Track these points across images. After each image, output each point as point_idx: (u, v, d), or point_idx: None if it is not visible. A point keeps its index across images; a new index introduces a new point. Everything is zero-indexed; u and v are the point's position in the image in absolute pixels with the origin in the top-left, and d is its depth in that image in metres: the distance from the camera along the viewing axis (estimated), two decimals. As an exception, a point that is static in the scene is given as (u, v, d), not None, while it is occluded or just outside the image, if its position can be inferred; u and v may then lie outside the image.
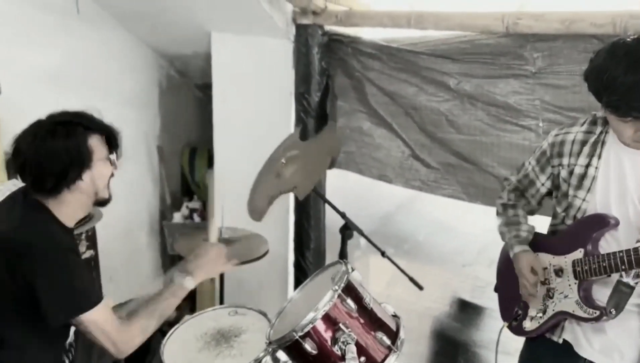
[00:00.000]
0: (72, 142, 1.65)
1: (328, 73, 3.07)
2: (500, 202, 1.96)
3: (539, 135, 2.35)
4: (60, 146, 1.63)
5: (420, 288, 2.21)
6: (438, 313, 2.88)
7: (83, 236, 2.76)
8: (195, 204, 4.21)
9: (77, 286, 1.62)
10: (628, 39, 1.47)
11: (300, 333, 1.62)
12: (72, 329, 1.78)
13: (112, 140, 1.77)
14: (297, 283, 3.14)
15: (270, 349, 1.66)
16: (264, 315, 2.29)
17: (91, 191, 1.72)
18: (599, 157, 1.66)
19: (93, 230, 2.88)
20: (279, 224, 3.28)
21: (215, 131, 3.50)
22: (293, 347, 1.64)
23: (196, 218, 4.11)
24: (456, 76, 2.57)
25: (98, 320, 1.63)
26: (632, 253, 1.53)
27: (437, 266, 2.85)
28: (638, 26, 1.62)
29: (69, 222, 1.73)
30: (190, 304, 3.28)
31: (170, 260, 4.08)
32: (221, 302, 2.54)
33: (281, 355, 1.67)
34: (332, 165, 2.97)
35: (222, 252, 1.96)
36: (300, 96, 3.08)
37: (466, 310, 2.77)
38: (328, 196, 2.58)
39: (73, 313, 1.61)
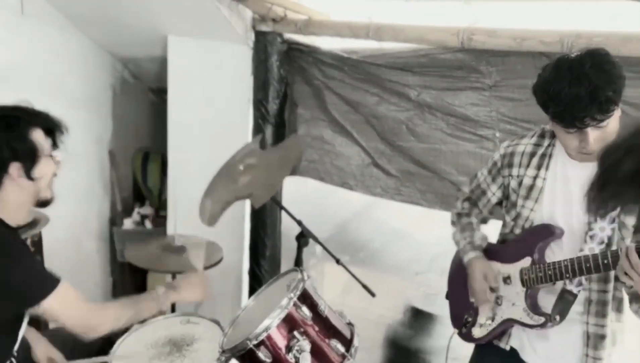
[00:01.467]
0: (13, 135, 1.58)
1: (287, 81, 3.07)
2: (455, 211, 2.01)
3: (496, 144, 2.44)
4: (0, 139, 1.56)
5: (373, 295, 2.23)
6: (391, 320, 2.91)
7: (28, 241, 2.65)
8: (146, 210, 4.12)
9: (40, 269, 1.58)
10: (572, 55, 1.55)
11: (255, 342, 1.61)
12: (20, 335, 1.70)
13: (55, 136, 1.70)
14: (252, 291, 3.11)
15: (223, 358, 1.64)
16: (217, 323, 2.26)
17: (32, 190, 1.66)
18: (547, 168, 1.73)
19: (39, 235, 2.77)
20: (234, 232, 3.24)
21: (170, 136, 3.44)
22: (247, 356, 1.63)
23: (147, 225, 4.02)
24: (416, 88, 2.64)
25: (67, 297, 1.58)
26: (575, 262, 1.59)
27: (391, 274, 2.88)
28: (583, 45, 1.72)
29: (11, 222, 1.65)
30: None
31: (120, 268, 3.97)
32: (173, 311, 2.48)
33: (235, 364, 1.64)
34: (292, 172, 2.97)
35: (204, 281, 2.02)
36: (259, 103, 3.07)
37: (418, 318, 2.81)
38: (285, 203, 2.58)
39: (44, 293, 1.56)
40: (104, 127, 3.91)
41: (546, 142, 1.76)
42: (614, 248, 1.58)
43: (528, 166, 1.76)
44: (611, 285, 1.65)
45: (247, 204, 3.20)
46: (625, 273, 1.42)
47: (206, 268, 2.47)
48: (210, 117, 3.27)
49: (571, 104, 1.49)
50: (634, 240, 1.58)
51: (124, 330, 2.18)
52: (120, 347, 2.08)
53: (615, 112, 1.52)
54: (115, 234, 3.94)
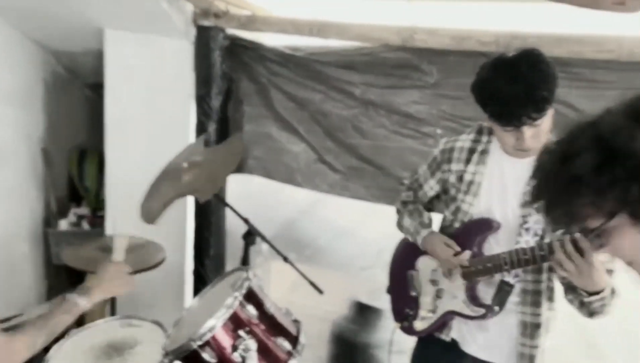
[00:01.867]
0: None
1: (231, 77, 3.03)
2: (400, 200, 2.04)
3: (437, 141, 2.50)
4: None
5: (321, 292, 2.23)
6: (337, 316, 2.93)
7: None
8: (83, 210, 3.95)
9: None
10: (509, 55, 1.61)
11: (199, 342, 1.58)
12: None
13: None
14: (196, 292, 3.05)
15: (166, 360, 1.60)
16: (160, 325, 2.19)
17: None
18: (484, 164, 1.79)
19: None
20: (177, 232, 3.17)
21: (107, 133, 3.31)
22: (191, 357, 1.59)
23: (84, 225, 3.86)
24: (360, 86, 2.67)
25: None
26: (514, 254, 1.65)
27: (337, 270, 2.90)
28: (519, 45, 1.79)
29: None
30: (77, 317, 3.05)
31: (55, 271, 3.79)
32: (113, 314, 2.39)
33: (179, 366, 1.60)
34: (238, 170, 2.93)
35: (122, 271, 1.86)
36: (201, 100, 3.01)
37: (364, 313, 2.84)
38: (230, 201, 2.54)
39: None
40: (36, 123, 3.72)
41: (484, 138, 1.81)
42: (547, 240, 1.65)
43: (466, 161, 1.82)
44: (544, 276, 1.73)
45: (190, 204, 3.13)
46: (561, 265, 1.49)
47: (147, 269, 2.40)
48: (150, 114, 3.18)
49: (509, 104, 1.54)
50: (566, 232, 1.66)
51: (60, 336, 2.08)
52: (57, 353, 1.99)
53: (549, 111, 1.58)
54: (50, 235, 3.75)
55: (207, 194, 2.14)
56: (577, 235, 1.48)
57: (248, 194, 2.98)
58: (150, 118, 3.18)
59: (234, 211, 2.21)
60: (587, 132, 0.90)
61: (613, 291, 1.57)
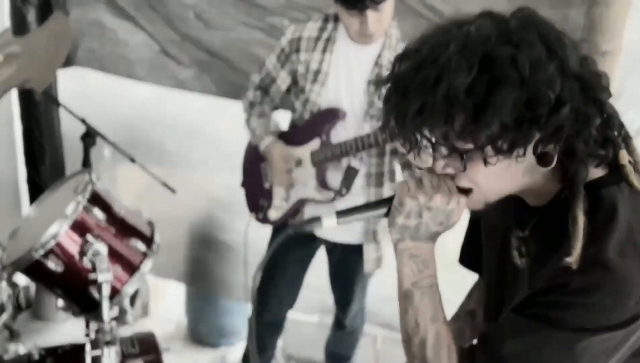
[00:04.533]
0: None
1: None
2: (248, 100, 2.02)
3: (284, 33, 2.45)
4: None
5: (173, 191, 2.19)
6: (194, 218, 2.91)
7: None
8: None
9: None
10: None
11: (42, 252, 1.50)
12: None
13: None
14: (33, 201, 2.81)
15: (5, 274, 1.49)
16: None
17: None
18: (331, 53, 1.82)
19: None
20: (2, 139, 2.83)
21: None
22: (34, 268, 1.51)
23: None
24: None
25: None
26: (359, 139, 1.75)
27: (189, 170, 2.83)
28: None
29: None
30: None
31: None
32: None
33: (20, 279, 1.51)
34: (67, 63, 2.62)
35: None
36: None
37: (221, 210, 2.85)
38: (63, 100, 2.29)
39: None
40: None
41: (330, 26, 1.83)
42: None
43: (314, 50, 1.83)
44: (387, 159, 1.87)
45: (14, 107, 2.77)
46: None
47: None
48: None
49: None
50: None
51: None
52: None
53: None
54: None
55: (43, 81, 1.92)
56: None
57: (82, 92, 2.70)
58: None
59: (68, 110, 2.03)
60: (454, 45, 0.76)
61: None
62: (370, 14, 1.62)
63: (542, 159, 0.80)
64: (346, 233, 1.93)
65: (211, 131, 2.83)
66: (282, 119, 2.06)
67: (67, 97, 2.51)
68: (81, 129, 2.06)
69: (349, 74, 1.80)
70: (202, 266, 2.85)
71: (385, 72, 1.71)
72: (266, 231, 2.07)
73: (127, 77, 2.70)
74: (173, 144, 2.84)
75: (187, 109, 2.80)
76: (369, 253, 1.91)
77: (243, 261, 2.29)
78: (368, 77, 1.77)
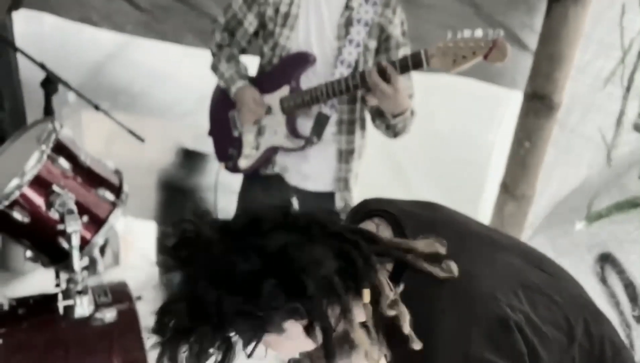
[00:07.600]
0: None
1: None
2: (215, 43, 1.95)
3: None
4: None
5: (142, 140, 2.14)
6: (163, 165, 2.87)
7: None
8: None
9: None
10: None
11: (6, 202, 1.47)
12: None
13: None
14: (-5, 152, 2.71)
15: (-32, 226, 1.45)
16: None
17: None
18: None
19: None
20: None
21: None
22: (-1, 219, 1.47)
23: None
24: None
25: None
26: (329, 85, 1.72)
27: (157, 117, 2.77)
28: None
29: None
30: None
31: None
32: None
33: (-15, 230, 1.47)
34: (16, 5, 2.47)
35: None
36: None
37: (190, 158, 2.82)
38: (19, 45, 2.18)
39: None
40: None
41: (300, -32, 1.76)
42: (359, 70, 1.75)
43: None
44: (358, 106, 1.85)
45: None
46: (373, 89, 1.60)
47: None
48: None
49: None
50: (375, 62, 1.77)
51: None
52: None
53: None
54: None
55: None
56: (384, 63, 1.61)
57: (40, 36, 2.57)
58: None
59: (25, 54, 1.93)
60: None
61: (412, 112, 1.77)
62: None
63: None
64: (318, 181, 1.93)
65: (180, 76, 2.75)
66: (250, 64, 2.00)
67: (23, 42, 2.39)
68: (41, 76, 1.98)
69: (319, 18, 1.75)
70: (173, 209, 2.84)
71: (356, 15, 1.68)
72: (237, 175, 2.06)
73: (79, 22, 2.56)
74: (141, 89, 2.76)
75: (153, 54, 2.70)
76: (339, 201, 1.93)
77: (214, 207, 2.28)
78: (338, 20, 1.73)
